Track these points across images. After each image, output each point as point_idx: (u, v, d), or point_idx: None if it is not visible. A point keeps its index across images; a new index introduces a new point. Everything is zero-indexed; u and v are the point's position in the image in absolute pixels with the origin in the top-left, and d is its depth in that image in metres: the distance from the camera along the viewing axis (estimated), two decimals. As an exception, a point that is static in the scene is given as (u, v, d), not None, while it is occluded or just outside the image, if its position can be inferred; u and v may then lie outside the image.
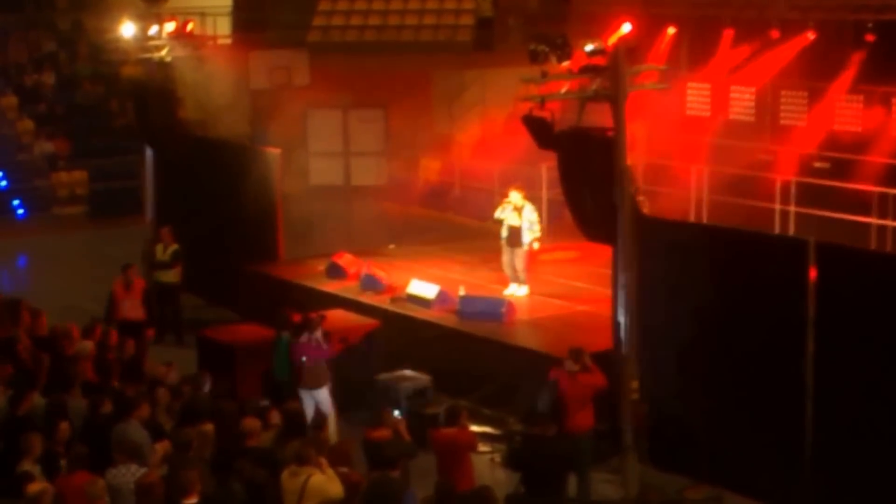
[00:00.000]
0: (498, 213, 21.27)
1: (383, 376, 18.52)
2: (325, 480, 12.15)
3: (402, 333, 19.90)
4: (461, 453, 14.07)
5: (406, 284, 21.12)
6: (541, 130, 16.29)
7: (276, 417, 14.20)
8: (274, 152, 24.21)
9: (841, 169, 25.40)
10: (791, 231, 24.17)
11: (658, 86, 18.21)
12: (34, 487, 11.27)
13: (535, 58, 16.13)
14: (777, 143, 26.90)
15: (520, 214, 21.02)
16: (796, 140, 26.56)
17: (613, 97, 15.64)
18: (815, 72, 26.31)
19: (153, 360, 16.94)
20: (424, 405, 17.96)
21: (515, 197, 21.12)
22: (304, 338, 17.34)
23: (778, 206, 25.09)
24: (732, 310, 15.98)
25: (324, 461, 12.38)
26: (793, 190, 24.90)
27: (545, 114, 16.14)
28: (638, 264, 16.23)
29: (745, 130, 27.91)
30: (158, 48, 25.54)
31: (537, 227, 21.15)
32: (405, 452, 13.63)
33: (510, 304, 20.14)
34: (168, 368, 16.28)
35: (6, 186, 35.04)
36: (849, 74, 25.80)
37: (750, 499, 15.85)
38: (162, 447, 13.24)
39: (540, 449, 14.02)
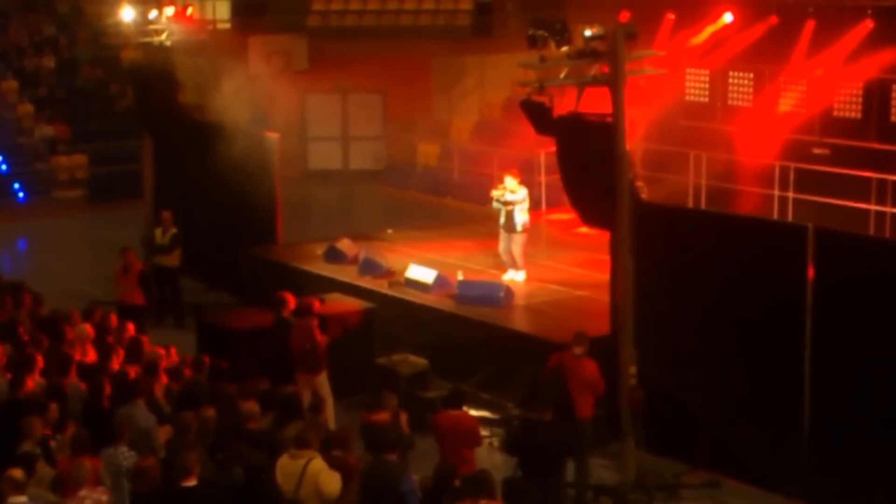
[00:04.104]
0: (495, 204, 21.26)
1: (382, 360, 18.59)
2: (325, 469, 12.14)
3: (401, 318, 19.94)
4: (463, 437, 14.07)
5: (404, 269, 21.16)
6: (539, 116, 16.29)
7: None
8: (273, 137, 24.25)
9: (839, 155, 25.41)
10: (789, 217, 24.21)
11: (656, 71, 18.22)
12: (15, 473, 11.27)
13: (533, 43, 16.15)
14: (777, 128, 26.88)
15: (514, 199, 21.06)
16: (795, 124, 26.55)
17: (612, 82, 15.64)
18: (817, 56, 26.23)
19: (153, 344, 16.95)
20: (423, 389, 18.02)
21: (511, 183, 21.12)
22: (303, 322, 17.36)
23: (776, 193, 25.13)
24: (731, 296, 16.01)
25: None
26: (791, 176, 24.94)
27: (543, 99, 16.14)
28: (636, 250, 16.25)
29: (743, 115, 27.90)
30: (158, 32, 25.53)
31: (526, 207, 21.13)
32: (403, 442, 13.60)
33: (508, 289, 20.16)
34: (167, 352, 16.33)
35: (6, 170, 35.07)
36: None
37: (747, 484, 15.90)
38: (163, 431, 13.29)
39: (537, 434, 14.05)
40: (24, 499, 11.12)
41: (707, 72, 28.79)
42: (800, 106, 26.69)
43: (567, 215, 24.69)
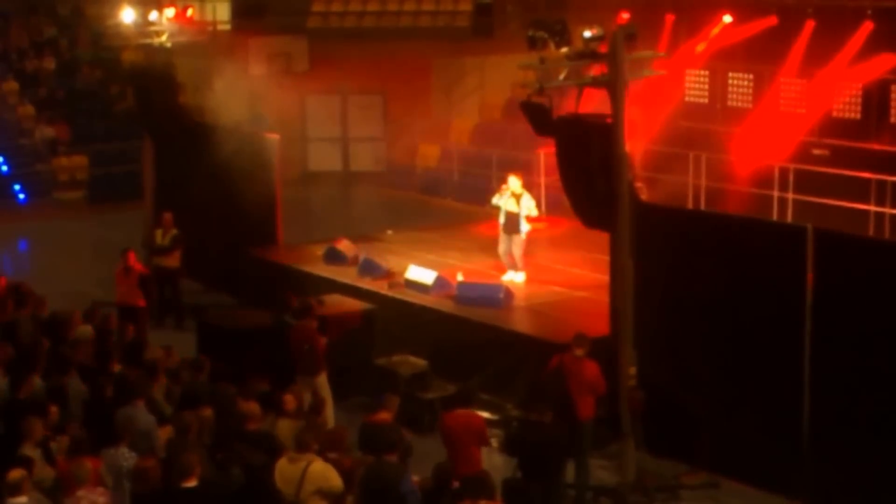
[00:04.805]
0: (495, 200, 21.31)
1: (381, 361, 18.60)
2: (326, 468, 12.15)
3: (401, 319, 19.93)
4: (472, 436, 14.03)
5: (404, 270, 21.17)
6: (539, 117, 16.30)
7: (291, 403, 14.18)
8: (273, 138, 24.25)
9: (839, 155, 25.40)
10: (789, 218, 24.21)
11: (655, 72, 18.23)
12: (14, 475, 11.28)
13: (533, 44, 16.16)
14: (777, 129, 26.88)
15: (518, 201, 21.05)
16: (794, 125, 26.54)
17: (612, 84, 15.66)
18: (817, 57, 26.21)
19: (153, 345, 16.98)
20: (422, 390, 18.03)
21: (514, 183, 21.15)
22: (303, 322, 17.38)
23: (776, 193, 25.12)
24: (730, 297, 16.01)
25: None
26: (791, 177, 24.93)
27: (543, 100, 16.16)
28: (636, 250, 16.27)
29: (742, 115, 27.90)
30: (158, 34, 25.59)
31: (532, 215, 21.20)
32: (402, 447, 13.54)
33: (508, 290, 20.17)
34: (167, 353, 16.35)
35: (7, 171, 35.05)
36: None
37: (746, 485, 15.91)
38: (164, 432, 13.30)
39: (537, 434, 14.07)
40: (23, 499, 11.14)
41: (707, 73, 28.79)
42: (799, 107, 26.68)
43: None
